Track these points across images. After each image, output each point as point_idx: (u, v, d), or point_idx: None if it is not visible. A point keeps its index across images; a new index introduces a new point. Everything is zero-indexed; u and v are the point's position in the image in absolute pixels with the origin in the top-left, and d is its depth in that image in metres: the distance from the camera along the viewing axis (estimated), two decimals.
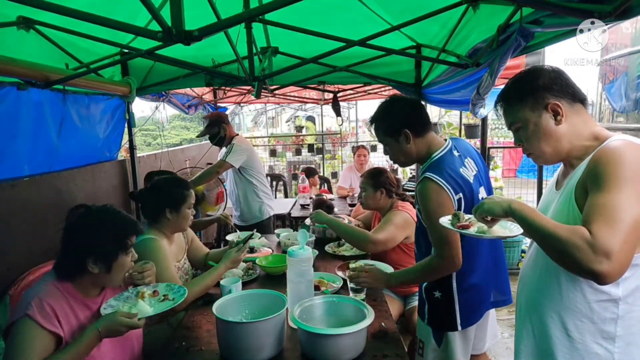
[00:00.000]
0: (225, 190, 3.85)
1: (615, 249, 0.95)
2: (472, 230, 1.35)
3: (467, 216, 1.43)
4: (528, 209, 1.12)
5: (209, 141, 3.77)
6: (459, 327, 1.75)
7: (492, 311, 1.92)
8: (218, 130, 3.60)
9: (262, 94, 4.32)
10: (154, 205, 2.10)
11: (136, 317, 1.44)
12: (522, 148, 1.31)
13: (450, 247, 1.65)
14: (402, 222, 2.48)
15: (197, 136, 3.98)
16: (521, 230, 1.26)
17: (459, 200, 1.66)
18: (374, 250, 2.49)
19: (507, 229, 1.31)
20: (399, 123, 1.77)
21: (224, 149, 3.77)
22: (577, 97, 1.21)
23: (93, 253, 1.47)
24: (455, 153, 1.78)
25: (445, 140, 1.84)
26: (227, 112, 6.31)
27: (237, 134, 3.73)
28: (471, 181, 1.73)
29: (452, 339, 1.78)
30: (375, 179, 2.66)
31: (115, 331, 1.41)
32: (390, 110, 1.83)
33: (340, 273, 2.29)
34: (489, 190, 1.89)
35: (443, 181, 1.63)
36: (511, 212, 1.14)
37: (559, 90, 1.20)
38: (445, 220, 1.47)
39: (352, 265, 2.35)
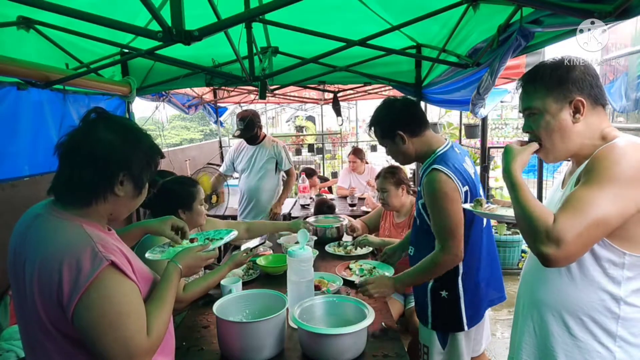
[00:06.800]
0: (227, 189, 3.87)
1: (567, 239, 1.00)
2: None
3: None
4: (521, 179, 1.17)
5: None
6: (466, 327, 1.75)
7: (487, 312, 1.92)
8: (256, 131, 3.75)
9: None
10: (166, 209, 2.01)
11: (209, 247, 1.35)
12: (529, 135, 1.27)
13: (455, 240, 1.66)
14: None
15: (235, 136, 3.95)
16: None
17: (466, 192, 1.70)
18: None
19: None
20: (392, 125, 1.80)
21: (228, 149, 3.82)
22: (599, 100, 1.18)
23: (126, 169, 1.11)
24: (457, 150, 1.82)
25: (446, 139, 1.86)
26: (227, 112, 6.30)
27: (265, 134, 3.94)
28: (473, 177, 1.77)
29: (459, 339, 1.78)
30: (396, 176, 2.65)
31: (195, 267, 1.33)
32: (384, 114, 1.87)
33: (344, 272, 2.29)
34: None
35: (451, 173, 1.67)
36: (506, 171, 1.20)
37: (589, 87, 1.17)
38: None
39: (352, 266, 2.36)
